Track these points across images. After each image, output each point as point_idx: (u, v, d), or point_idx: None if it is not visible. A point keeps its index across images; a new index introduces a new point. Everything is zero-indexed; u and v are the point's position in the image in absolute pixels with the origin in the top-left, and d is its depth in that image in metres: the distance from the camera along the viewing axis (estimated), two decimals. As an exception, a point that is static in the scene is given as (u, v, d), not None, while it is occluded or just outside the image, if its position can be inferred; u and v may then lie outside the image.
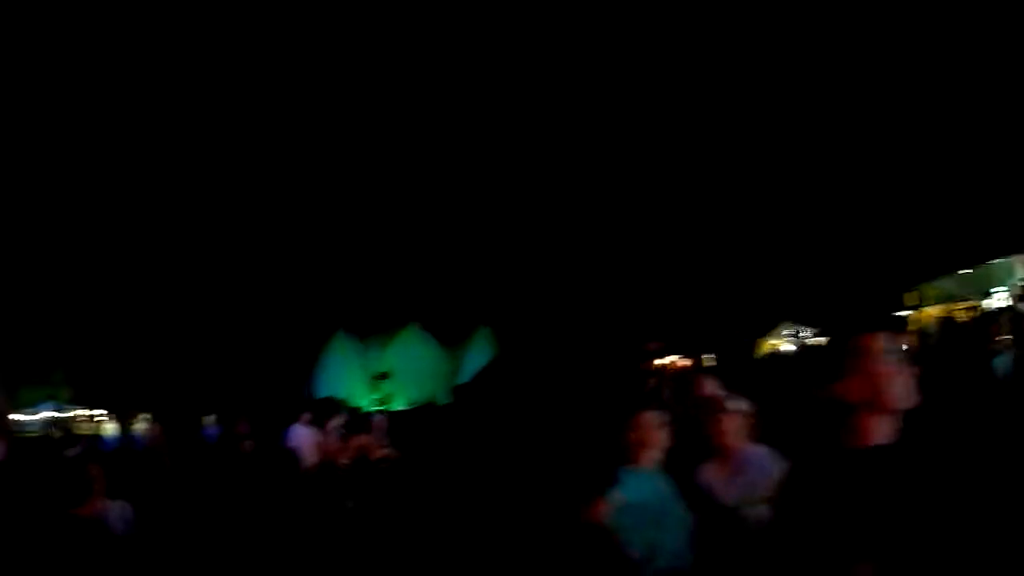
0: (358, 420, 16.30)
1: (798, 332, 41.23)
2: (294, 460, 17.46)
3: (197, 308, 60.93)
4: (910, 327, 30.90)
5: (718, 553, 6.86)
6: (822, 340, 31.58)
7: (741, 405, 8.00)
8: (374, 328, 61.21)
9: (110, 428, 43.14)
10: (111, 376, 54.92)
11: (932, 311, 31.24)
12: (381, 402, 53.59)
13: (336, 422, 14.62)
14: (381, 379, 57.13)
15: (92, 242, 59.14)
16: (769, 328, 43.48)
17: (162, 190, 63.62)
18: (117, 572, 6.76)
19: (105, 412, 49.73)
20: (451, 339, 62.32)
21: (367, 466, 14.31)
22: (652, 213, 59.97)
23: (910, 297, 33.42)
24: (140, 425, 39.41)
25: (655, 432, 6.86)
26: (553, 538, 7.56)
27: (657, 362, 47.09)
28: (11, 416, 43.43)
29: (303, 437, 17.49)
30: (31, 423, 47.81)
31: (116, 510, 8.62)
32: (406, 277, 64.76)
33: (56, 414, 48.14)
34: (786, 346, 40.98)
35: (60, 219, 59.16)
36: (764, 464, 7.34)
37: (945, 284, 31.60)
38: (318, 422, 17.91)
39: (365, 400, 51.38)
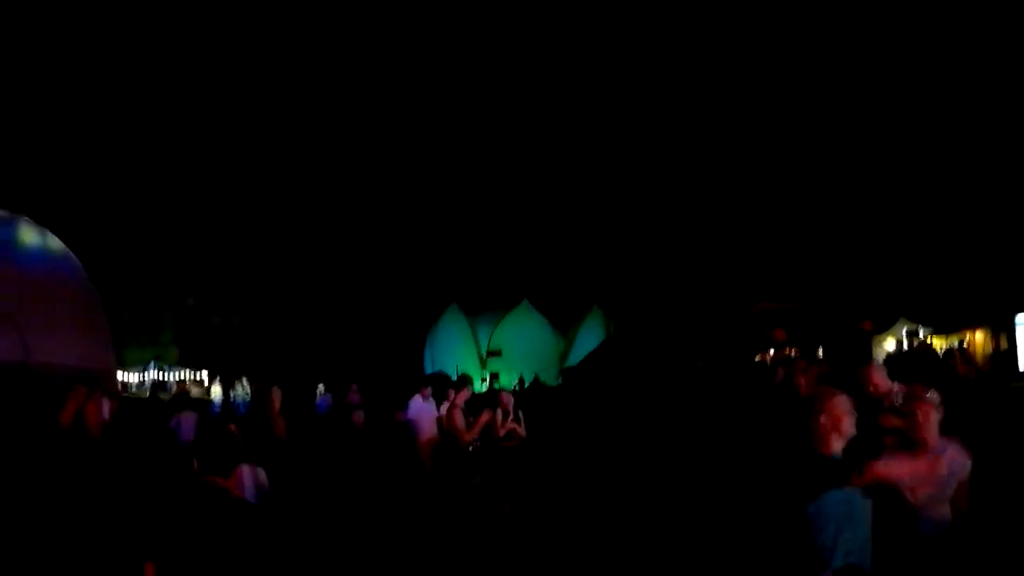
0: (486, 397, 15.30)
1: (918, 329, 39.87)
2: (410, 434, 16.42)
3: (310, 277, 60.60)
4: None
5: (899, 554, 6.58)
6: (941, 338, 29.97)
7: (935, 397, 7.31)
8: (486, 304, 60.39)
9: (216, 392, 42.58)
10: (219, 339, 54.82)
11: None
12: (489, 379, 52.96)
13: (463, 397, 13.49)
14: (494, 356, 56.32)
15: (209, 204, 59.00)
16: (887, 324, 42.02)
17: (285, 164, 63.79)
18: (253, 542, 6.10)
19: (208, 375, 49.26)
20: (563, 319, 61.39)
21: (494, 444, 13.45)
22: (774, 200, 58.65)
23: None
24: (240, 390, 38.73)
25: (845, 417, 6.20)
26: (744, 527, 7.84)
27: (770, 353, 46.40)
28: (117, 376, 43.65)
29: (423, 411, 16.46)
30: (137, 384, 47.60)
31: (250, 476, 8.18)
32: (519, 254, 64.82)
33: (161, 375, 47.67)
34: (901, 343, 39.76)
35: (179, 181, 59.08)
36: (957, 460, 7.00)
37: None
38: (438, 397, 16.88)
39: (475, 376, 50.47)
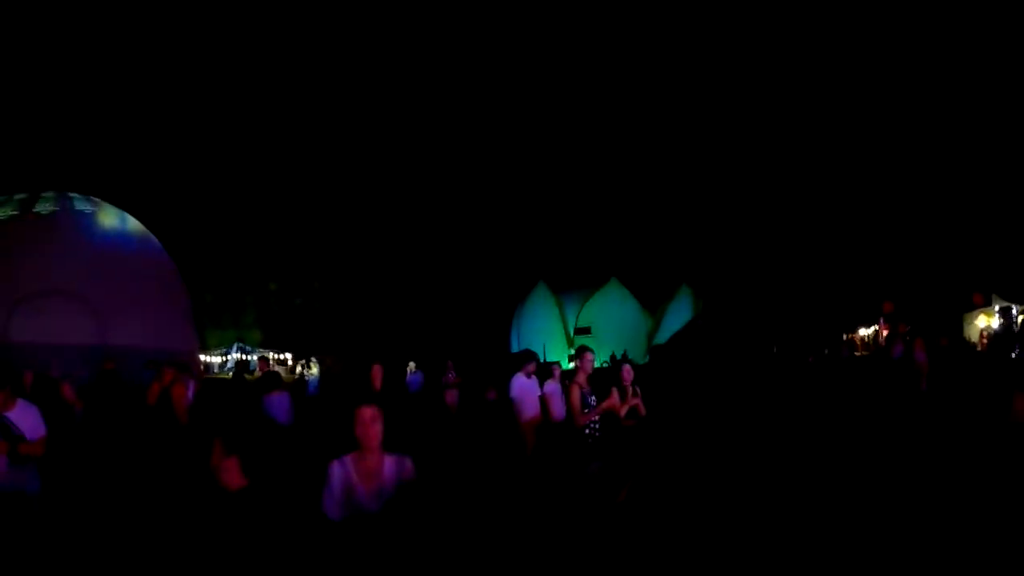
0: (606, 376, 14.07)
1: (1012, 308, 38.44)
2: (512, 414, 15.42)
3: (396, 257, 60.08)
4: None
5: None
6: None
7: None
8: (575, 282, 59.52)
9: (315, 372, 42.48)
10: (301, 321, 54.56)
11: None
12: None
13: (581, 378, 12.29)
14: (583, 334, 55.46)
15: (291, 187, 58.75)
16: (974, 304, 40.79)
17: (368, 145, 63.36)
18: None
19: (293, 357, 49.05)
20: (651, 297, 60.38)
21: (615, 425, 12.42)
22: (860, 183, 57.50)
23: None
24: (314, 370, 38.40)
25: None
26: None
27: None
28: (200, 357, 43.45)
29: (527, 390, 15.36)
30: (219, 364, 47.60)
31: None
32: (608, 231, 64.06)
33: (244, 356, 47.35)
34: (997, 322, 38.39)
35: (261, 167, 58.83)
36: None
37: None
38: (542, 374, 15.90)
39: (562, 355, 49.73)
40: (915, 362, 19.67)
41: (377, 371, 13.23)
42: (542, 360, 18.90)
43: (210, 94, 57.99)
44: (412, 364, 28.90)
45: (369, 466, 6.31)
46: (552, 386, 14.97)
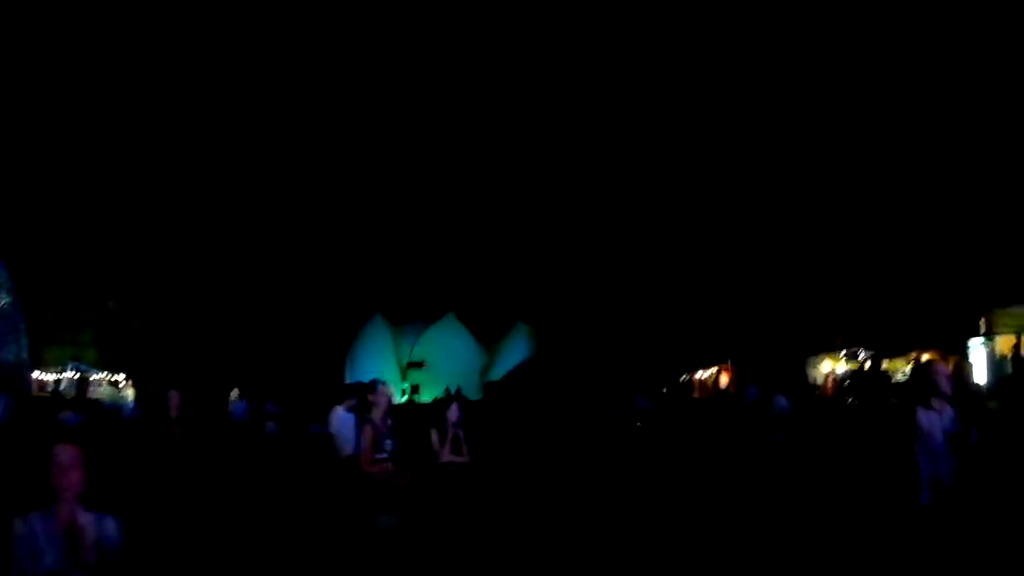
0: (432, 413, 13.36)
1: (855, 352, 38.99)
2: (331, 447, 14.76)
3: (234, 282, 58.75)
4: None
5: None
6: (882, 361, 28.87)
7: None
8: (412, 315, 58.89)
9: (131, 395, 41.05)
10: (138, 342, 53.06)
11: (1006, 339, 28.73)
12: (411, 392, 51.75)
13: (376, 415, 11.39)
14: (415, 368, 54.91)
15: (133, 207, 57.07)
16: (825, 348, 41.23)
17: (210, 169, 62.13)
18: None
19: (126, 377, 47.56)
20: (488, 333, 59.95)
21: (435, 468, 11.89)
22: (703, 220, 57.75)
23: (983, 323, 30.87)
24: (129, 392, 37.17)
25: None
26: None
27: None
28: (32, 374, 41.99)
29: (347, 424, 14.66)
30: (54, 382, 46.08)
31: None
32: (446, 265, 63.17)
33: (78, 375, 45.71)
34: (843, 366, 38.87)
35: (103, 183, 57.14)
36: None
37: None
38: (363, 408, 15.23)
39: (395, 389, 49.03)
40: (772, 408, 19.36)
41: (174, 397, 12.45)
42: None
43: (48, 106, 55.84)
44: (235, 392, 27.79)
45: (62, 524, 5.00)
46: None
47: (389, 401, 10.90)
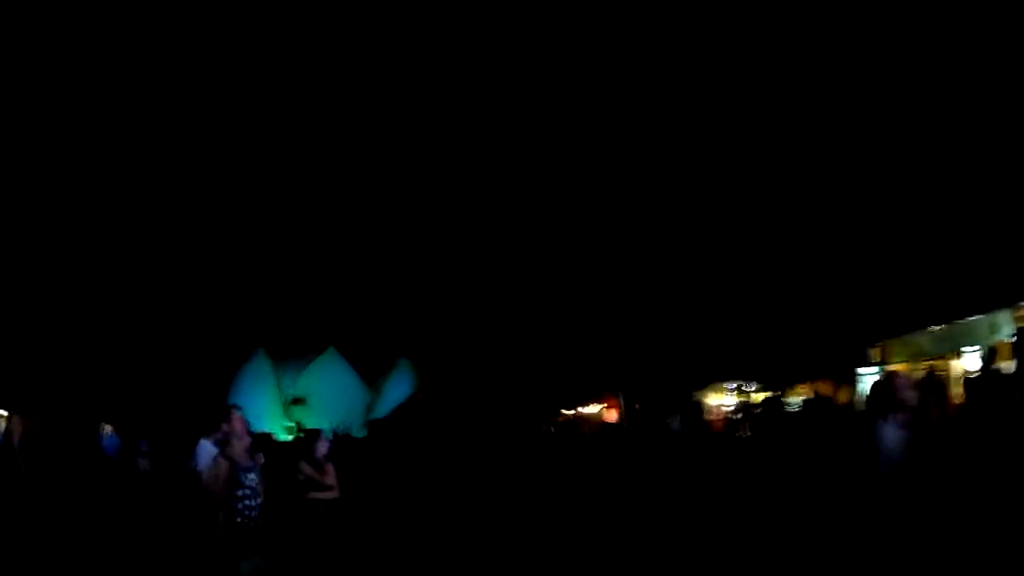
0: (300, 448, 12.33)
1: (741, 386, 39.00)
2: (197, 485, 13.88)
3: (108, 312, 57.19)
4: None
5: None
6: (766, 394, 28.90)
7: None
8: (293, 350, 57.90)
9: None
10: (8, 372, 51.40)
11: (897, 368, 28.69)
12: (293, 429, 50.65)
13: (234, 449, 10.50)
14: (296, 404, 53.83)
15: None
16: (709, 381, 41.19)
17: (79, 191, 60.41)
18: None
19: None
20: (370, 368, 59.09)
21: (303, 502, 11.11)
22: (587, 252, 57.66)
23: (876, 352, 30.90)
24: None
25: None
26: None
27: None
28: None
29: (211, 457, 13.83)
30: None
31: None
32: (328, 300, 62.37)
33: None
34: (727, 399, 38.89)
35: None
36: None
37: (919, 339, 28.83)
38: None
39: (276, 425, 48.06)
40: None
41: (16, 425, 11.64)
42: (254, 430, 17.34)
43: None
44: (108, 427, 26.64)
45: None
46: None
47: (247, 430, 9.63)
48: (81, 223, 58.29)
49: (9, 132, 54.50)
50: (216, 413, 13.98)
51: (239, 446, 9.23)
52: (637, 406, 40.44)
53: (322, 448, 11.61)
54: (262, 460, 9.45)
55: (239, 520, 8.86)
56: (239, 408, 9.64)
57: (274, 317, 60.84)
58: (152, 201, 61.85)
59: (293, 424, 51.06)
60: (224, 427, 9.44)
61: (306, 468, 11.21)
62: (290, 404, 54.50)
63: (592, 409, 50.57)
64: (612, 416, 46.74)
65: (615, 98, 62.06)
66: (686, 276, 49.30)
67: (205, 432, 14.41)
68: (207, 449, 13.84)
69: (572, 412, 52.38)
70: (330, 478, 11.36)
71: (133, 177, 61.79)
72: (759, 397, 35.35)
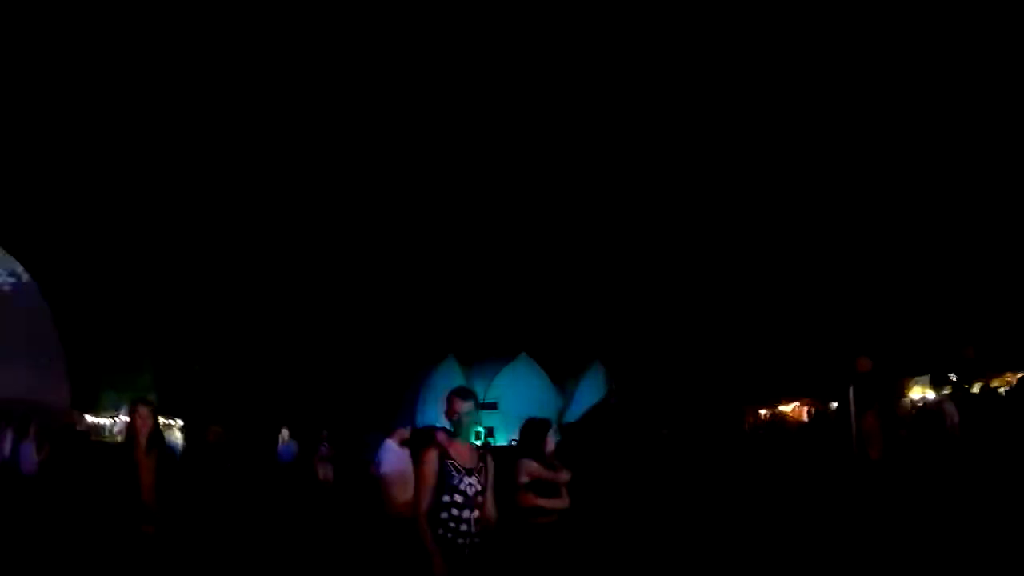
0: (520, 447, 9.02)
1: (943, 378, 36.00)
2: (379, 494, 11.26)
3: (303, 325, 56.45)
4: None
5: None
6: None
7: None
8: (484, 355, 56.23)
9: (175, 437, 39.09)
10: (198, 387, 50.51)
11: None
12: (483, 434, 48.56)
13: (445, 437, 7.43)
14: (489, 409, 51.56)
15: (196, 250, 55.06)
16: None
17: (268, 207, 60.56)
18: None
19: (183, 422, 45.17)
20: (562, 373, 56.85)
21: (522, 521, 7.88)
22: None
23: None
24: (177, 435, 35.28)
25: None
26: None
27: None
28: (84, 417, 39.71)
29: (399, 462, 10.97)
30: (110, 427, 43.97)
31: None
32: (519, 305, 60.72)
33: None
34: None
35: (154, 228, 55.25)
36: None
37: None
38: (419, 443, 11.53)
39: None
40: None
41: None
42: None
43: (115, 148, 54.29)
44: (285, 432, 24.41)
45: None
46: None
47: (476, 420, 6.64)
48: (274, 226, 58.19)
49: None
50: (401, 416, 11.44)
51: (451, 439, 6.48)
52: (832, 405, 37.83)
53: (551, 444, 8.34)
54: (490, 465, 6.53)
55: (442, 533, 6.16)
56: (468, 394, 6.60)
57: (464, 322, 59.76)
58: (346, 208, 61.72)
59: (483, 429, 49.11)
60: (444, 413, 6.46)
61: (532, 467, 8.06)
62: (481, 409, 52.51)
63: (785, 408, 47.81)
64: (804, 415, 44.29)
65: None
66: (875, 271, 46.83)
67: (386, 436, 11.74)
68: (392, 451, 11.14)
69: (766, 411, 49.69)
70: (563, 479, 8.13)
71: (321, 185, 61.97)
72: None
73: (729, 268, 57.09)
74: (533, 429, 8.40)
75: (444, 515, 6.17)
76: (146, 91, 57.65)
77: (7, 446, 16.84)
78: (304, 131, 64.08)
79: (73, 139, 53.23)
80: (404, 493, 10.69)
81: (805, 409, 44.58)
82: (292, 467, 21.65)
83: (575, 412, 53.18)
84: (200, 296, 53.81)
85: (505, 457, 7.94)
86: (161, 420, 39.03)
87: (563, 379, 57.74)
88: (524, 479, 7.94)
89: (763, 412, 50.79)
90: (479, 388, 53.21)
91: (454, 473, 6.21)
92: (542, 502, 7.91)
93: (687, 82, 61.34)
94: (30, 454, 16.16)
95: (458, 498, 6.21)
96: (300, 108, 67.17)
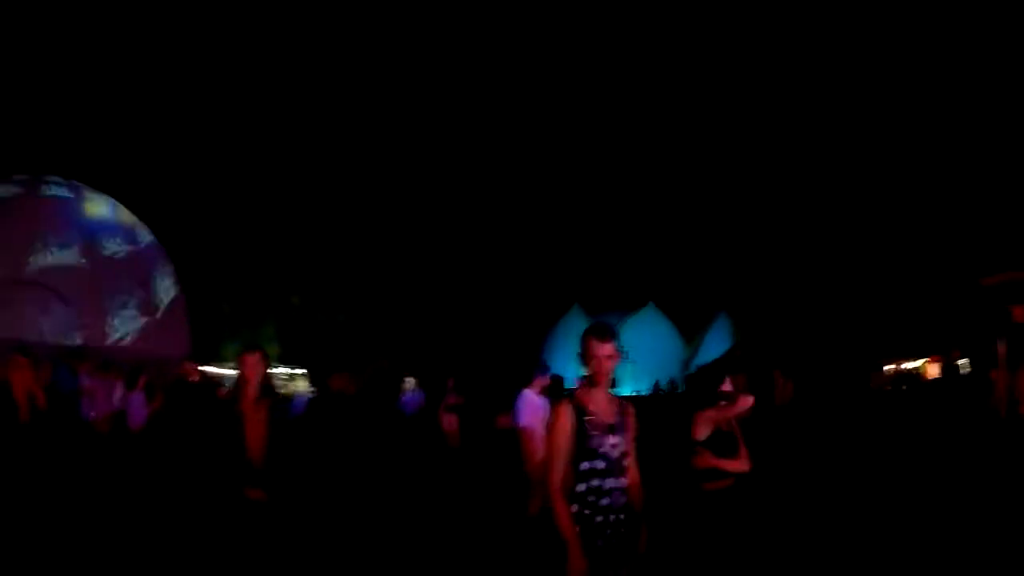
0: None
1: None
2: (518, 448, 9.90)
3: (426, 276, 55.82)
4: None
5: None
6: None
7: None
8: (611, 306, 54.81)
9: (300, 387, 38.81)
10: (322, 337, 49.96)
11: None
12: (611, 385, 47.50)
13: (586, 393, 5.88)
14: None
15: (318, 201, 54.89)
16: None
17: (398, 162, 60.43)
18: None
19: (306, 371, 44.78)
20: (688, 323, 55.57)
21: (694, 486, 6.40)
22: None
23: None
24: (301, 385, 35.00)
25: None
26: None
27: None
28: (199, 368, 39.31)
29: (539, 413, 9.62)
30: (230, 379, 43.73)
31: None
32: (646, 255, 59.89)
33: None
34: None
35: (287, 180, 55.51)
36: None
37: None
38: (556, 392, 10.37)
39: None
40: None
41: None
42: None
43: (236, 91, 54.89)
44: (412, 380, 23.16)
45: None
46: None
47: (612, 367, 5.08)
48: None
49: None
50: (532, 367, 10.06)
51: (593, 392, 5.03)
52: (957, 358, 36.37)
53: (744, 404, 6.82)
54: (633, 419, 5.13)
55: (578, 511, 4.85)
56: (608, 333, 5.05)
57: (590, 272, 58.86)
58: (475, 154, 61.75)
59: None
60: (579, 357, 5.00)
61: (711, 415, 6.57)
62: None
63: (914, 364, 46.08)
64: (935, 371, 42.74)
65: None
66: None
67: (524, 385, 10.32)
68: (532, 401, 9.72)
69: (893, 367, 47.97)
70: (737, 444, 6.65)
71: (451, 133, 61.78)
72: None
73: (859, 218, 55.53)
74: (708, 377, 6.87)
75: (582, 487, 4.85)
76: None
77: (117, 397, 16.34)
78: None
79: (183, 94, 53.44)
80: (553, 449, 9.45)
81: (937, 365, 42.66)
82: (417, 419, 20.76)
83: (701, 363, 51.76)
84: (332, 245, 53.34)
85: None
86: (286, 370, 38.89)
87: (690, 330, 56.21)
88: (703, 434, 6.46)
89: (891, 368, 49.37)
90: (606, 337, 52.53)
91: (593, 433, 4.86)
92: (722, 463, 6.41)
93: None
94: (139, 406, 15.44)
95: (600, 464, 4.87)
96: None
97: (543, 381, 10.19)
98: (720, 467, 6.36)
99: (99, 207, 34.91)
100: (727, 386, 6.64)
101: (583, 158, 63.84)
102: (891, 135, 55.45)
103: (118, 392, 16.26)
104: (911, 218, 52.08)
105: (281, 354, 47.95)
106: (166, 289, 35.61)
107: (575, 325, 53.74)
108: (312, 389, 35.60)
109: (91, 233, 32.98)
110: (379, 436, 17.66)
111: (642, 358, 49.22)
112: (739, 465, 6.46)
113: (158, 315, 33.82)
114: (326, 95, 60.56)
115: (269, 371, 7.33)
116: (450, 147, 61.81)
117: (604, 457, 4.84)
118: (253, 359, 7.30)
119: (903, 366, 47.77)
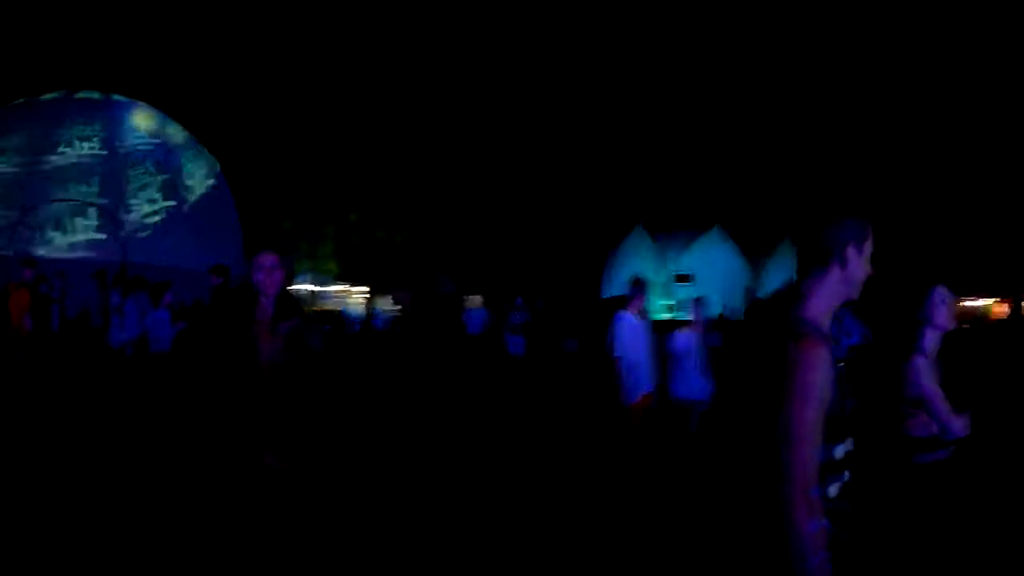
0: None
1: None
2: (611, 374, 8.35)
3: (487, 195, 54.84)
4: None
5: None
6: None
7: None
8: (674, 226, 53.14)
9: (357, 303, 38.13)
10: (380, 255, 48.95)
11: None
12: (675, 307, 46.06)
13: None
14: (684, 281, 48.66)
15: (379, 120, 53.85)
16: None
17: (461, 81, 59.15)
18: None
19: (367, 290, 43.98)
20: (754, 248, 53.86)
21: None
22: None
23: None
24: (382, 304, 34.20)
25: None
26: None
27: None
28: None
29: (637, 337, 7.93)
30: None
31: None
32: (712, 176, 58.90)
33: (313, 287, 41.88)
34: None
35: (350, 98, 54.40)
36: None
37: None
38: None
39: (657, 303, 43.24)
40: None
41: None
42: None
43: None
44: (479, 298, 21.61)
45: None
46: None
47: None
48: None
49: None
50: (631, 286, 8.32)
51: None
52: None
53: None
54: None
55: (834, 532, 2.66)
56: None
57: (654, 192, 57.41)
58: (546, 78, 61.36)
59: (675, 302, 46.52)
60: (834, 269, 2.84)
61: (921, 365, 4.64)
62: (674, 282, 49.61)
63: (981, 303, 46.31)
64: (1003, 311, 42.61)
65: None
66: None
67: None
68: (631, 325, 8.01)
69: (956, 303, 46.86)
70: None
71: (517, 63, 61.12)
72: None
73: (933, 149, 54.96)
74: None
75: (834, 488, 2.72)
76: None
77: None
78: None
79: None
80: (646, 378, 7.86)
81: (1006, 306, 42.63)
82: (482, 338, 19.20)
83: (765, 289, 50.34)
84: (392, 161, 52.38)
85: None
86: (340, 288, 37.75)
87: (755, 255, 54.33)
88: (914, 392, 4.50)
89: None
90: (670, 260, 50.82)
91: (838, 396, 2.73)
92: (951, 422, 4.47)
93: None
94: (162, 327, 13.02)
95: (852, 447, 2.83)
96: None
97: (639, 304, 8.44)
98: (945, 429, 4.39)
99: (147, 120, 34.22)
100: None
101: (650, 78, 62.91)
102: (970, 79, 54.16)
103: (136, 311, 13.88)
104: (985, 155, 51.40)
105: (340, 272, 47.34)
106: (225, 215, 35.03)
107: (639, 244, 52.38)
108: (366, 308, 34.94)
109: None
110: (438, 355, 16.18)
111: (707, 282, 47.70)
112: (961, 426, 4.48)
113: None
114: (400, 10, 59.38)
115: (294, 284, 5.84)
116: (517, 66, 61.18)
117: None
118: (268, 261, 4.61)
119: (965, 303, 46.90)
